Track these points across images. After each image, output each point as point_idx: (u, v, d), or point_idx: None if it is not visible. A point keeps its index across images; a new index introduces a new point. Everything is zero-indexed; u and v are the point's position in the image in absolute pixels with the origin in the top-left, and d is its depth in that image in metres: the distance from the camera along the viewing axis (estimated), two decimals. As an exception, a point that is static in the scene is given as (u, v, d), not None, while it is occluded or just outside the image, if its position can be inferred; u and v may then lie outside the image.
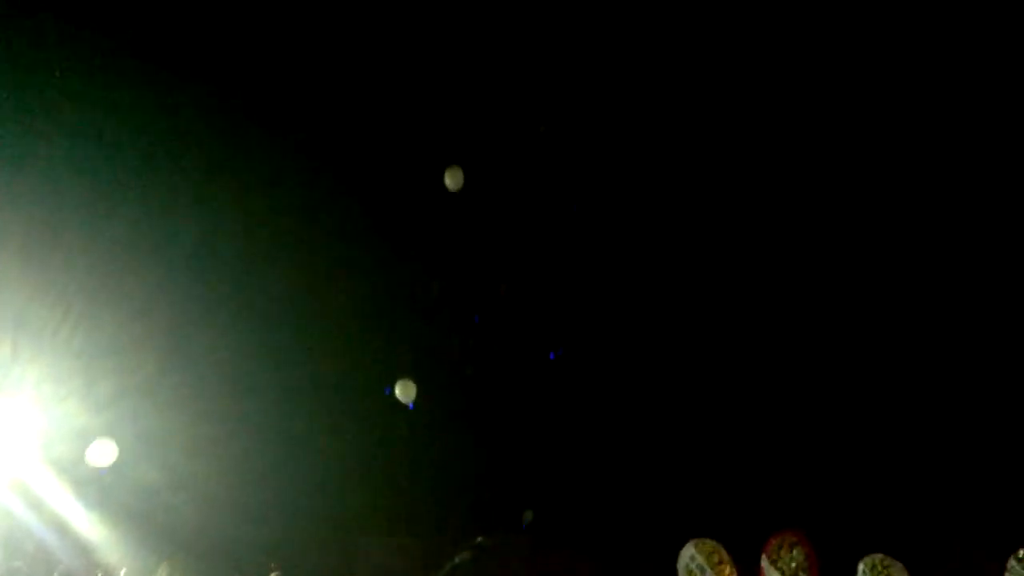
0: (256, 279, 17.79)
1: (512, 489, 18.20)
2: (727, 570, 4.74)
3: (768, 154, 17.65)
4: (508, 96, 18.20)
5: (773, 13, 16.87)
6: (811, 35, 16.98)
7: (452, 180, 16.83)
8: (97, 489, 15.22)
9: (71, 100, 16.04)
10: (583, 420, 18.65)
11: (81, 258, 15.76)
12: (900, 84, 16.86)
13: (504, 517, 17.97)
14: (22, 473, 14.46)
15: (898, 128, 17.04)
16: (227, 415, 17.18)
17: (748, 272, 18.09)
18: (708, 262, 18.35)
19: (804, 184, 17.56)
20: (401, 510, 18.55)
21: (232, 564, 13.85)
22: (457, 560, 17.02)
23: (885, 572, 4.72)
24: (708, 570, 4.69)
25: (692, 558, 4.76)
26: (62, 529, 14.42)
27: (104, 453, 14.30)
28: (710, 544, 4.84)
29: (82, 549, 14.21)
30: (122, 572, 12.28)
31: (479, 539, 17.34)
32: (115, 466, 15.19)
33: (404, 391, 17.93)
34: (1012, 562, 5.46)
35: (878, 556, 4.81)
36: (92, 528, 14.71)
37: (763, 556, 4.94)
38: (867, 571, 4.76)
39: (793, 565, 4.84)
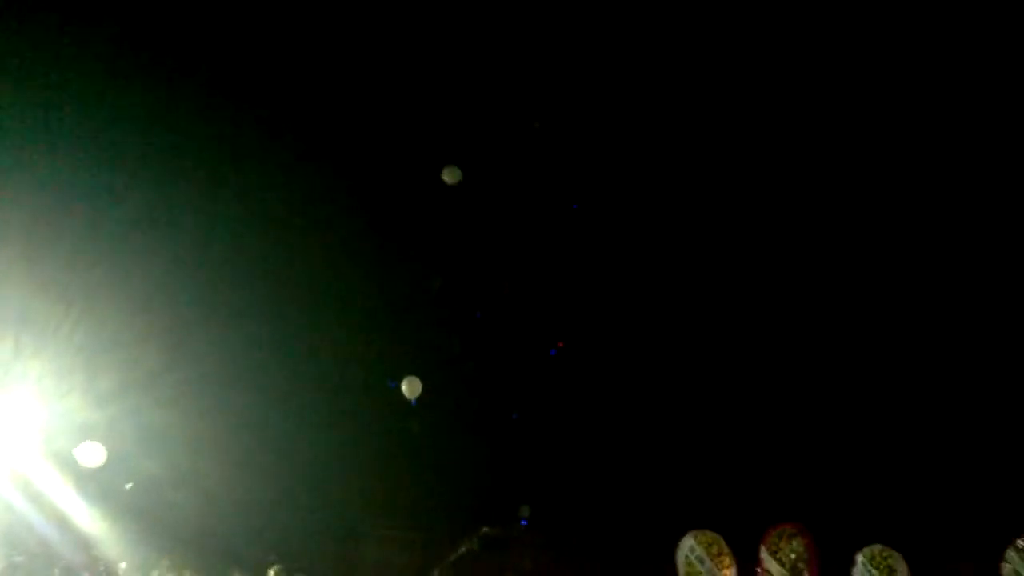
0: (258, 275, 17.81)
1: (511, 483, 18.23)
2: (726, 561, 4.76)
3: (766, 145, 17.67)
4: (509, 93, 18.22)
5: (770, 6, 16.91)
6: (809, 32, 17.02)
7: (450, 177, 16.88)
8: (98, 484, 15.24)
9: (72, 96, 16.04)
10: (583, 414, 18.68)
11: (83, 254, 15.76)
12: (900, 84, 16.89)
13: (503, 511, 18.01)
14: (23, 468, 14.48)
15: (898, 128, 17.07)
16: (228, 411, 17.19)
17: (746, 267, 18.10)
18: (706, 258, 18.37)
19: (798, 174, 17.58)
20: (401, 504, 18.57)
21: (232, 559, 13.86)
22: (463, 550, 17.14)
23: (884, 563, 4.73)
24: (707, 561, 4.71)
25: (692, 549, 4.78)
26: (63, 524, 14.43)
27: (94, 453, 14.32)
28: (709, 535, 4.85)
29: (83, 544, 14.23)
30: (122, 566, 12.28)
31: (484, 530, 17.45)
32: (116, 461, 15.21)
33: (410, 388, 17.98)
34: (1010, 552, 5.48)
35: (877, 547, 4.83)
36: (93, 523, 14.72)
37: (762, 547, 4.95)
38: (866, 562, 4.77)
39: (792, 556, 4.86)
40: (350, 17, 17.35)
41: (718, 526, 4.97)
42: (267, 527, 16.99)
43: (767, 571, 4.91)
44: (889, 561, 4.78)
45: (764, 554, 4.96)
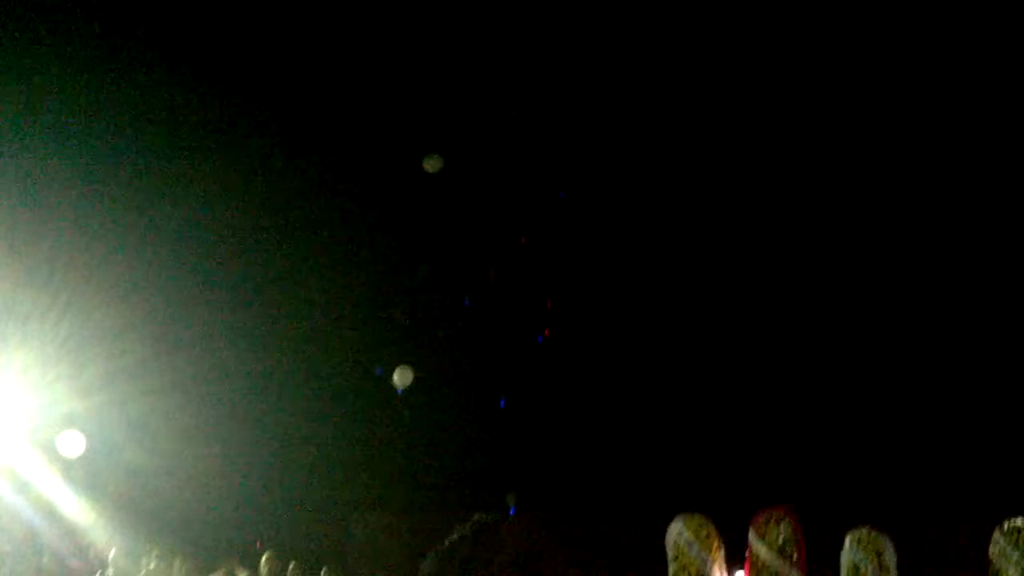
0: (245, 265, 17.79)
1: (499, 469, 18.29)
2: (715, 544, 4.76)
3: (751, 135, 17.68)
4: (495, 81, 18.19)
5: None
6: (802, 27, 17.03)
7: (431, 166, 16.90)
8: (85, 473, 15.23)
9: (57, 87, 15.99)
10: (571, 400, 18.72)
11: (69, 244, 15.74)
12: (900, 84, 16.91)
13: (491, 496, 18.06)
14: (9, 457, 14.46)
15: (898, 128, 17.09)
16: (215, 400, 17.18)
17: (732, 250, 18.13)
18: (691, 243, 18.40)
19: (782, 159, 17.60)
20: (389, 490, 18.60)
21: (222, 546, 13.86)
22: (457, 535, 17.19)
23: (872, 545, 4.75)
24: (696, 544, 4.70)
25: (680, 533, 4.78)
26: (50, 513, 14.42)
27: (75, 442, 14.31)
28: (698, 519, 4.85)
29: (70, 532, 14.22)
30: (111, 553, 12.26)
31: (477, 516, 17.50)
32: (103, 450, 15.20)
33: (401, 378, 18.00)
34: (997, 534, 5.49)
35: (864, 529, 4.83)
36: (80, 511, 14.72)
37: (751, 530, 4.95)
38: (854, 544, 4.78)
39: (780, 539, 4.86)
40: (337, 8, 17.32)
41: (707, 509, 4.97)
42: (256, 514, 17.00)
43: (756, 554, 4.91)
44: (877, 543, 4.79)
45: (752, 537, 4.96)
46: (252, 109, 17.49)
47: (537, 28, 17.66)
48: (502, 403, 19.45)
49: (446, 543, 16.40)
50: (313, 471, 17.97)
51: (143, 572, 9.96)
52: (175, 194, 16.94)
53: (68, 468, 14.98)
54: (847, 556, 4.80)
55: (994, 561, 5.64)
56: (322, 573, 12.63)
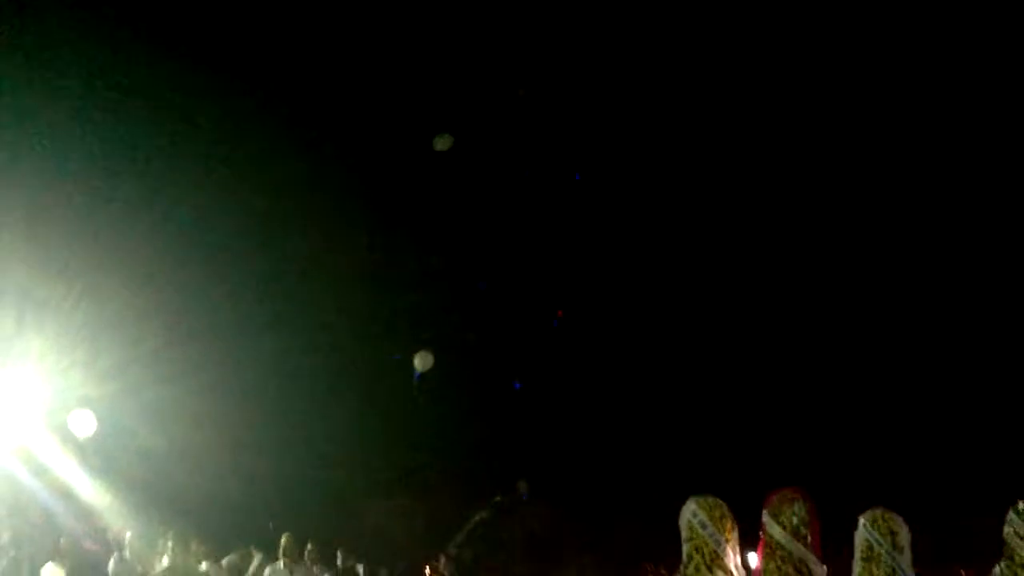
0: (259, 251, 17.83)
1: (514, 451, 18.33)
2: (728, 525, 4.77)
3: (757, 121, 17.65)
4: (508, 62, 18.15)
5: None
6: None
7: (442, 144, 16.91)
8: (101, 458, 15.30)
9: (74, 75, 16.02)
10: (585, 383, 18.74)
11: (86, 231, 15.80)
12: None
13: (505, 479, 18.13)
14: (27, 441, 14.53)
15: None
16: (229, 385, 17.25)
17: (749, 240, 18.11)
18: (703, 230, 18.39)
19: (787, 147, 17.57)
20: (404, 474, 18.67)
21: (236, 530, 13.93)
22: (478, 517, 17.28)
23: (885, 525, 4.75)
24: (709, 525, 4.72)
25: (694, 514, 4.79)
26: (66, 496, 14.50)
27: (86, 422, 14.37)
28: (711, 500, 4.86)
29: (86, 515, 14.30)
30: (127, 536, 12.34)
31: (497, 498, 17.57)
32: (118, 435, 15.27)
33: (422, 362, 18.06)
34: (1011, 514, 5.49)
35: (879, 510, 4.84)
36: (96, 495, 14.79)
37: (764, 512, 4.97)
38: (868, 524, 4.79)
39: (795, 520, 4.87)
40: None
41: (720, 491, 4.99)
42: (272, 498, 17.08)
43: (769, 535, 4.92)
44: (890, 523, 4.80)
45: (766, 518, 4.97)
46: (267, 97, 17.50)
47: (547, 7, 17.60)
48: (516, 386, 19.48)
49: (471, 524, 16.51)
50: (328, 455, 18.04)
51: (158, 554, 10.02)
52: (189, 184, 16.99)
53: (84, 452, 15.06)
54: (861, 536, 4.81)
55: (1008, 541, 5.64)
56: (338, 555, 12.70)
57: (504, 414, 19.27)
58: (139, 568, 10.73)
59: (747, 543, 4.98)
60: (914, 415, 16.80)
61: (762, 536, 4.98)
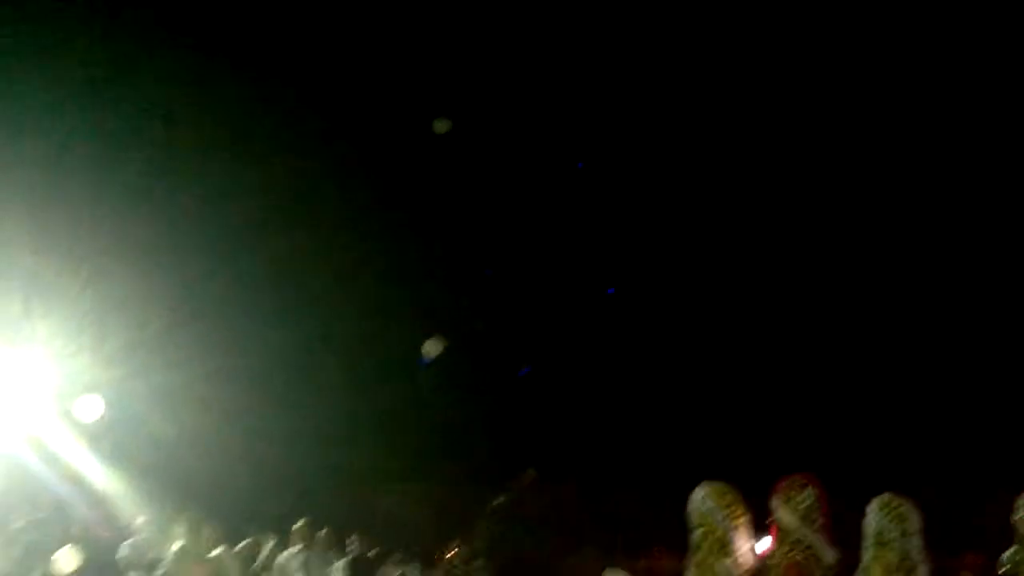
0: (268, 236, 17.84)
1: (525, 436, 18.38)
2: (738, 511, 4.77)
3: (772, 105, 17.59)
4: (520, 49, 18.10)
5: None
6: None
7: (441, 128, 16.89)
8: (110, 443, 15.35)
9: (78, 57, 16.00)
10: (594, 371, 18.74)
11: (92, 216, 15.81)
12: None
13: (512, 465, 18.17)
14: (37, 428, 14.58)
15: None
16: (238, 371, 17.28)
17: (764, 227, 18.09)
18: (721, 213, 18.35)
19: (804, 126, 17.53)
20: (416, 459, 18.70)
21: (248, 515, 13.97)
22: (495, 503, 17.34)
23: (896, 511, 4.74)
24: (719, 511, 4.71)
25: (703, 500, 4.78)
26: (77, 482, 14.56)
27: (93, 407, 14.41)
28: (721, 486, 4.85)
29: (97, 501, 14.35)
30: (139, 521, 12.38)
31: (513, 483, 17.63)
32: (127, 420, 15.31)
33: (430, 348, 18.09)
34: (1020, 501, 5.49)
35: (889, 496, 4.83)
36: (107, 482, 14.85)
37: (774, 498, 4.96)
38: (879, 510, 4.78)
39: (803, 506, 4.86)
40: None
41: (730, 477, 4.99)
42: (284, 484, 17.12)
43: (779, 521, 4.92)
44: (900, 509, 4.79)
45: (776, 504, 4.97)
46: (276, 82, 17.48)
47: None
48: (524, 371, 19.50)
49: (490, 510, 16.59)
50: (338, 441, 18.07)
51: (170, 540, 10.04)
52: (196, 169, 16.99)
53: (93, 438, 15.10)
54: (871, 522, 4.80)
55: (1018, 528, 5.65)
56: (351, 541, 12.72)
57: (513, 400, 19.30)
58: (150, 554, 10.76)
59: (757, 529, 4.97)
60: (924, 401, 16.79)
61: (772, 522, 4.98)
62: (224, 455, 16.99)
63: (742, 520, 4.78)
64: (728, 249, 18.60)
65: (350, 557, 11.92)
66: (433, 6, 17.38)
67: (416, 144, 18.40)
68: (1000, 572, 5.90)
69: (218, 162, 17.00)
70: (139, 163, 16.85)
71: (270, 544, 12.92)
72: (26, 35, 15.43)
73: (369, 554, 13.42)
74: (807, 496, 4.91)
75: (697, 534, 4.78)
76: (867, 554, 4.77)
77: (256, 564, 12.58)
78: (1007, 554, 5.85)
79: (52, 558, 10.75)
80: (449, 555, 12.65)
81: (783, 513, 4.90)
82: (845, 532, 4.95)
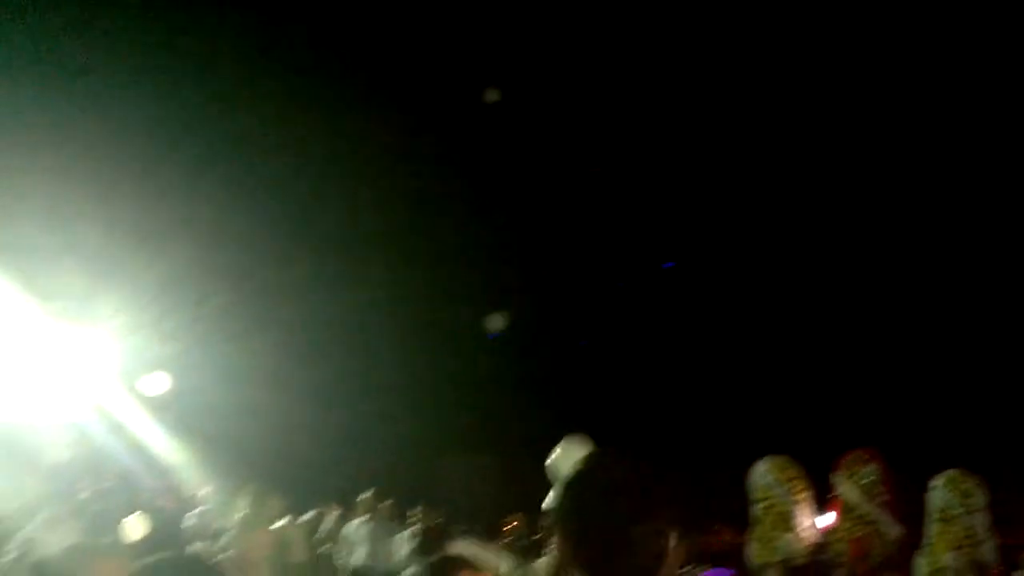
0: (331, 212, 17.94)
1: (584, 410, 18.40)
2: (799, 486, 4.72)
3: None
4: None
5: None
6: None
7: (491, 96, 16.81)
8: (174, 415, 15.57)
9: (153, 38, 16.14)
10: (657, 344, 18.70)
11: (155, 194, 15.99)
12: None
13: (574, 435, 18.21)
14: (103, 399, 14.82)
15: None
16: (301, 344, 17.44)
17: (816, 210, 17.91)
18: (778, 196, 18.19)
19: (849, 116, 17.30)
20: (479, 431, 18.78)
21: (311, 487, 14.12)
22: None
23: (962, 487, 4.66)
24: (781, 485, 4.66)
25: (764, 475, 4.74)
26: (143, 453, 14.80)
27: (158, 383, 14.61)
28: (782, 460, 4.81)
29: (162, 473, 14.58)
30: (203, 492, 12.56)
31: (585, 454, 17.69)
32: (191, 393, 15.51)
33: (496, 321, 18.15)
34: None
35: (955, 471, 4.74)
36: (171, 453, 15.08)
37: (837, 473, 4.90)
38: (944, 486, 4.69)
39: (867, 481, 4.80)
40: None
41: (792, 452, 4.94)
42: (344, 456, 17.26)
43: (842, 496, 4.86)
44: (966, 485, 4.70)
45: (839, 479, 4.91)
46: (346, 66, 17.51)
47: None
48: (583, 343, 19.48)
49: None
50: (403, 413, 18.19)
51: (234, 511, 10.17)
52: (257, 144, 17.10)
53: (158, 410, 15.33)
54: (936, 498, 4.72)
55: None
56: (415, 512, 12.80)
57: (575, 373, 19.32)
58: (215, 524, 10.91)
59: (819, 505, 4.92)
60: (997, 379, 16.56)
61: (835, 497, 4.92)
62: (288, 427, 17.17)
63: (804, 495, 4.73)
64: (790, 224, 18.43)
65: (415, 528, 11.99)
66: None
67: (478, 121, 18.38)
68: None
69: (279, 140, 17.10)
70: (201, 140, 17.00)
71: (334, 515, 13.04)
72: (93, 25, 15.61)
73: (435, 526, 13.50)
74: (870, 471, 4.84)
75: (758, 508, 4.74)
76: (931, 530, 4.69)
77: (320, 535, 12.72)
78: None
79: (119, 527, 10.93)
80: (512, 526, 12.66)
81: (846, 488, 4.84)
82: (909, 508, 4.88)
